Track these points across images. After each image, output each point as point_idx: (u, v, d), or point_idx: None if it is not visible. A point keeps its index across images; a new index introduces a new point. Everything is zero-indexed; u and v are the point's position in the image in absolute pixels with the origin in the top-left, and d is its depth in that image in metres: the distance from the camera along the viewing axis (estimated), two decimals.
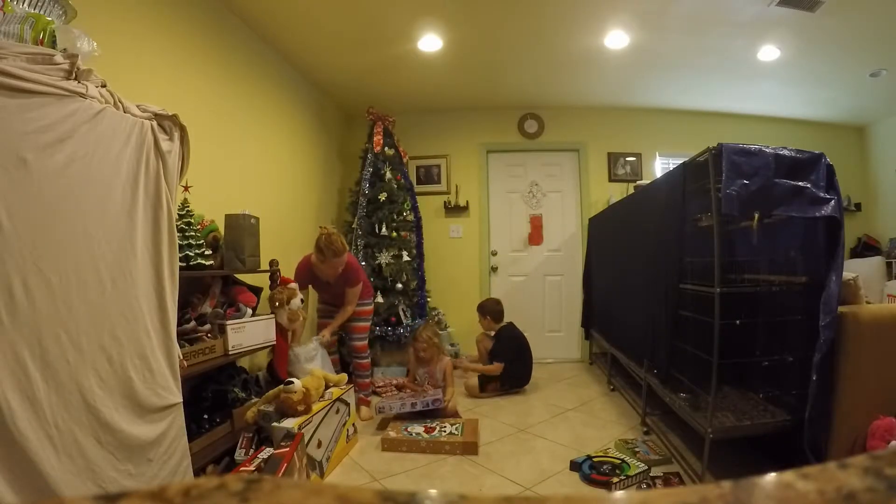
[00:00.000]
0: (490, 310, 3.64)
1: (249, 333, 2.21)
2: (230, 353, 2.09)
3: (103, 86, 1.37)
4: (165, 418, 1.51)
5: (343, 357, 3.23)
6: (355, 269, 2.83)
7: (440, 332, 3.73)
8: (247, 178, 2.88)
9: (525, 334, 3.63)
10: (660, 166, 4.53)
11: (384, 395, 3.14)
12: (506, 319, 3.69)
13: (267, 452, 1.79)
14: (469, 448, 2.37)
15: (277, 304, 2.46)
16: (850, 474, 0.19)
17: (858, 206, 4.54)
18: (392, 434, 2.47)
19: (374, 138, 3.87)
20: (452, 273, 4.48)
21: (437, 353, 3.09)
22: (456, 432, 2.49)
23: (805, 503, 0.18)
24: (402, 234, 3.85)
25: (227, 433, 2.07)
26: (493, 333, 3.60)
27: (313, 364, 2.50)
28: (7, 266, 1.06)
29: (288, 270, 2.81)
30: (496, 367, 3.38)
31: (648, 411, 2.63)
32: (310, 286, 2.89)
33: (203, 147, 2.18)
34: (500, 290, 4.50)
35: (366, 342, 3.03)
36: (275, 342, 2.39)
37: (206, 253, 2.03)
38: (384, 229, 3.74)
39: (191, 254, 1.92)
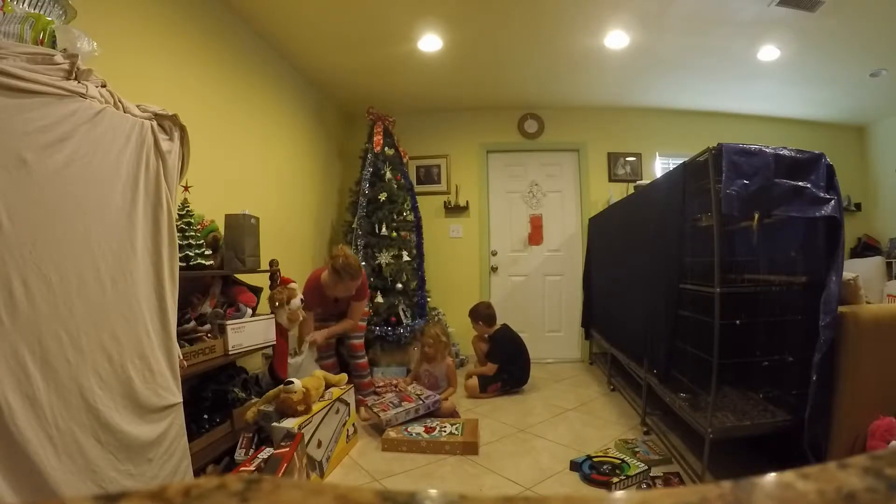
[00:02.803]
0: (482, 314, 3.63)
1: (249, 333, 2.21)
2: (230, 353, 2.10)
3: (103, 86, 1.37)
4: (165, 418, 1.51)
5: (342, 357, 3.22)
6: (364, 283, 2.90)
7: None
8: (247, 178, 2.88)
9: (525, 334, 3.64)
10: (660, 166, 4.53)
11: (380, 401, 3.03)
12: (506, 320, 3.69)
13: (267, 452, 1.79)
14: (469, 448, 2.37)
15: (277, 304, 2.46)
16: (850, 474, 0.19)
17: (858, 206, 4.54)
18: (392, 434, 2.47)
19: (374, 138, 3.87)
20: (452, 273, 4.48)
21: (442, 351, 3.09)
22: (456, 432, 2.49)
23: (805, 503, 0.18)
24: (402, 234, 3.85)
25: (227, 433, 2.07)
26: (487, 336, 3.61)
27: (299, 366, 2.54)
28: (7, 266, 1.06)
29: (288, 270, 2.81)
30: (489, 368, 3.42)
31: (648, 411, 2.63)
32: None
33: (203, 147, 2.18)
34: (500, 290, 4.51)
35: (362, 341, 3.06)
36: (275, 342, 2.39)
37: (206, 253, 2.03)
38: (384, 229, 3.74)
39: (191, 254, 1.92)
